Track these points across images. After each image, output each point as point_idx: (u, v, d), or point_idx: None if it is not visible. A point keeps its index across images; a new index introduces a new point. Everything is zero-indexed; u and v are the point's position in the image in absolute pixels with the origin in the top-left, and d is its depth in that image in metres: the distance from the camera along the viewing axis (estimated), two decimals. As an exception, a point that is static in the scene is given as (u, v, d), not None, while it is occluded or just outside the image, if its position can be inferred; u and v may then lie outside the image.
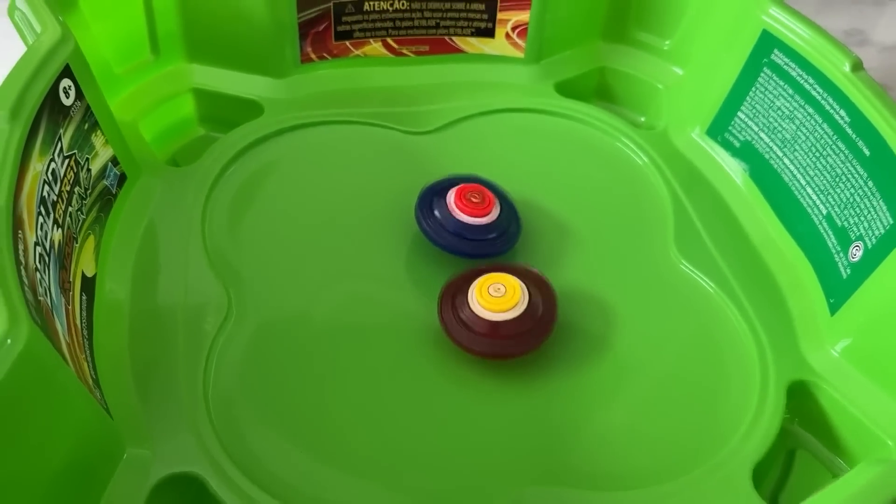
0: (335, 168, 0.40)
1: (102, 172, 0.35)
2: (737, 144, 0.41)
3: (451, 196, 0.36)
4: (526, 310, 0.32)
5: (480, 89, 0.45)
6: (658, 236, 0.38)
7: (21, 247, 0.26)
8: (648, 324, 0.35)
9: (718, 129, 0.42)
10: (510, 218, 0.37)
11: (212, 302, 0.33)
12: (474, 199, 0.36)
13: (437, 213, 0.36)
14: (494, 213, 0.36)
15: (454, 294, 0.33)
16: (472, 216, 0.36)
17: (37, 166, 0.29)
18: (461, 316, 0.32)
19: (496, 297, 0.32)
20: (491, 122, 0.43)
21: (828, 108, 0.36)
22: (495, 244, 0.36)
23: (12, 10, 0.35)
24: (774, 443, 0.31)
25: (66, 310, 0.29)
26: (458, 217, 0.36)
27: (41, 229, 0.29)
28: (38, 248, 0.28)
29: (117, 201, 0.36)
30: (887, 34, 0.59)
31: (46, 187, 0.30)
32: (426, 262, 0.36)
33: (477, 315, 0.32)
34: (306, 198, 0.39)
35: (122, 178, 0.36)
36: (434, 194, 0.37)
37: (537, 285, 0.34)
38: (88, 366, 0.29)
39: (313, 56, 0.44)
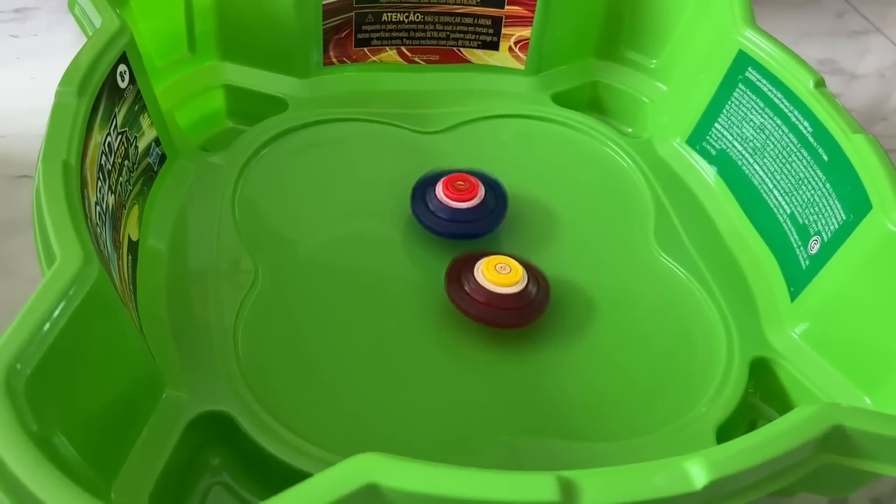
0: (351, 160, 0.44)
1: (147, 150, 0.39)
2: (713, 152, 0.45)
3: (440, 185, 0.40)
4: (525, 287, 0.36)
5: (484, 96, 0.49)
6: (640, 231, 0.42)
7: (86, 203, 0.30)
8: (630, 306, 0.39)
9: (697, 139, 0.46)
10: (494, 199, 0.41)
11: (240, 266, 0.37)
12: (460, 185, 0.40)
13: (427, 200, 0.40)
14: (479, 196, 0.40)
15: (461, 268, 0.37)
16: (458, 201, 0.40)
17: (97, 137, 0.33)
18: (466, 286, 0.36)
19: (502, 273, 0.36)
20: (493, 126, 0.48)
21: (794, 119, 0.40)
22: (481, 224, 0.40)
23: (72, 4, 0.39)
24: (737, 410, 0.35)
25: (118, 265, 0.33)
26: (445, 203, 0.40)
27: (99, 192, 0.33)
28: (98, 208, 0.32)
29: (158, 178, 0.40)
30: (857, 64, 0.64)
31: (104, 157, 0.34)
32: (429, 242, 0.40)
33: (481, 286, 0.36)
34: (324, 184, 0.43)
35: (162, 158, 0.40)
36: (426, 185, 0.41)
37: (535, 274, 0.38)
38: (133, 315, 0.33)
39: (335, 60, 0.48)
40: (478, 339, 0.36)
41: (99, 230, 0.31)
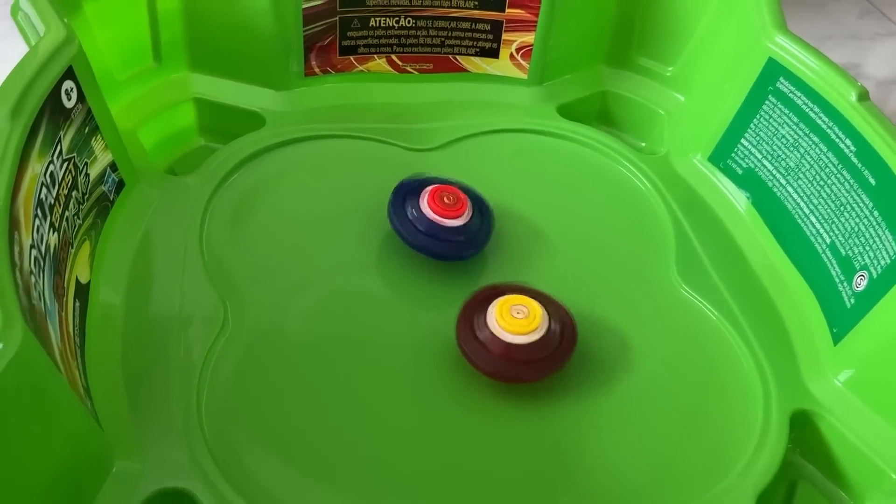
0: (335, 182, 0.40)
1: (101, 178, 0.34)
2: (739, 171, 0.41)
3: (426, 197, 0.36)
4: (545, 334, 0.32)
5: (483, 109, 0.45)
6: (659, 260, 0.38)
7: (17, 249, 0.26)
8: (652, 350, 0.35)
9: (721, 156, 0.42)
10: (480, 218, 0.37)
11: (207, 312, 0.33)
12: (447, 202, 0.36)
13: (408, 211, 0.36)
14: (466, 214, 0.36)
15: (474, 310, 0.33)
16: (445, 217, 0.36)
17: (35, 167, 0.28)
18: (479, 336, 0.32)
19: (518, 318, 0.32)
20: (492, 142, 0.43)
21: (833, 137, 0.36)
22: (465, 245, 0.36)
23: (15, 10, 0.34)
24: (777, 473, 0.31)
25: (59, 316, 0.28)
26: (432, 218, 0.36)
27: (37, 232, 0.28)
28: (34, 251, 0.27)
29: (114, 208, 0.35)
30: (882, 69, 0.60)
31: (44, 189, 0.29)
32: (428, 278, 0.36)
33: (495, 335, 0.31)
34: (305, 211, 0.38)
35: (119, 185, 0.36)
36: (408, 192, 0.37)
37: (559, 316, 0.33)
38: (80, 374, 0.28)
39: (317, 69, 0.44)
40: (486, 392, 0.32)
41: (34, 279, 0.27)
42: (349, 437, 0.30)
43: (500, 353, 0.31)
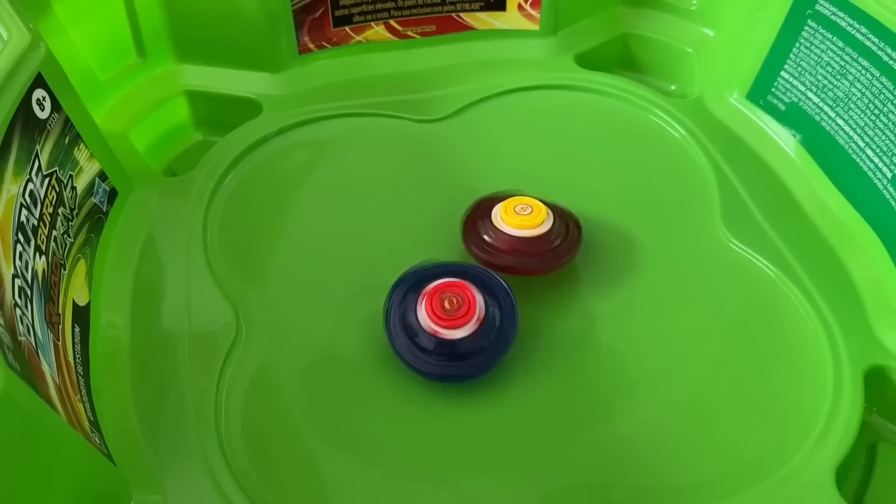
0: (343, 166, 0.37)
1: (90, 189, 0.32)
2: (782, 108, 0.37)
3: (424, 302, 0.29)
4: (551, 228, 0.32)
5: (494, 68, 0.42)
6: (704, 215, 0.35)
7: (-5, 283, 0.23)
8: (702, 313, 0.32)
9: (760, 93, 0.38)
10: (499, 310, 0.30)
11: (219, 324, 0.30)
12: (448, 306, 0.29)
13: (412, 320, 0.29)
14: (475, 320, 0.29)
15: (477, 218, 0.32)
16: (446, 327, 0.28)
17: (11, 189, 0.26)
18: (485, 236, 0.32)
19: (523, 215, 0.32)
20: (508, 104, 0.40)
21: (886, 59, 0.32)
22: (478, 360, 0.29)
23: (-23, 18, 0.32)
24: (856, 439, 0.28)
25: (56, 346, 0.26)
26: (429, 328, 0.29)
27: (20, 259, 0.26)
28: (18, 281, 0.25)
29: (109, 219, 0.33)
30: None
31: (25, 211, 0.27)
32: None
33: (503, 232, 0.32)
34: (314, 201, 0.35)
35: (112, 194, 0.33)
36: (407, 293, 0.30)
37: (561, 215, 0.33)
38: (85, 406, 0.26)
39: (311, 46, 0.41)
40: (516, 379, 0.29)
41: (19, 313, 0.24)
42: (375, 448, 0.28)
43: (509, 248, 0.31)
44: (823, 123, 0.35)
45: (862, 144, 0.33)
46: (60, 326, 0.27)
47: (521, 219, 0.32)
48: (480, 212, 0.33)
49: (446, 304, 0.28)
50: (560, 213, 0.33)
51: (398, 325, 0.29)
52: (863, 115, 0.33)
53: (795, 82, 0.36)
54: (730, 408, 0.29)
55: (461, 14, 0.42)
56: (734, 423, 0.28)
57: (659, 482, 0.27)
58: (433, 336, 0.28)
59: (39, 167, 0.28)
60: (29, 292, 0.26)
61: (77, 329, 0.28)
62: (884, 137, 0.32)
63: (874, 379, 0.30)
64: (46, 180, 0.29)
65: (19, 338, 0.23)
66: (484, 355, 0.28)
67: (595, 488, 0.27)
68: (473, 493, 0.27)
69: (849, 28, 0.34)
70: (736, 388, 0.29)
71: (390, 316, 0.29)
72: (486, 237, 0.32)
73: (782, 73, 0.37)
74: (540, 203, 0.32)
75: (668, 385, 0.29)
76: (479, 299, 0.29)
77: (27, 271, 0.26)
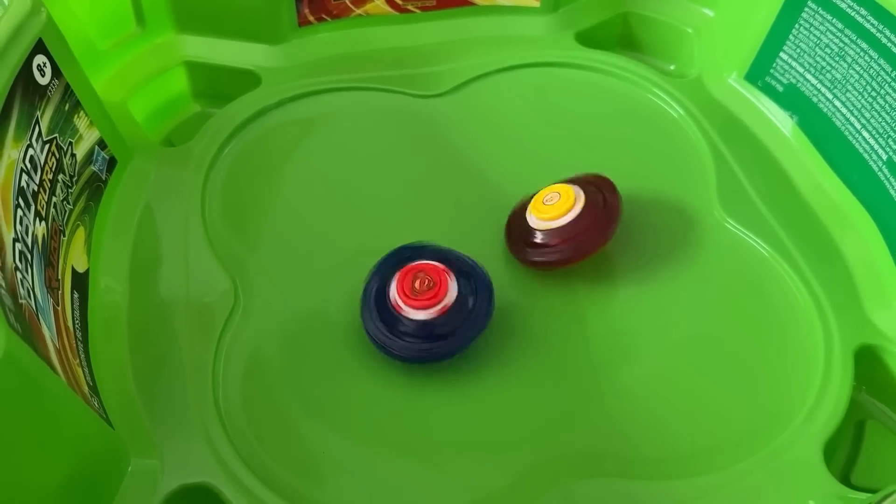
0: (342, 140, 0.37)
1: (89, 157, 0.32)
2: (780, 89, 0.37)
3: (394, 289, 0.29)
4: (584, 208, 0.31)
5: (495, 44, 0.41)
6: (700, 194, 0.35)
7: (-4, 245, 0.24)
8: (698, 291, 0.32)
9: (758, 73, 0.38)
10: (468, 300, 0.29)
11: (216, 292, 0.30)
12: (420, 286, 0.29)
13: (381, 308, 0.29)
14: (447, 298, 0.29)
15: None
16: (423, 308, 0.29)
17: (12, 154, 0.26)
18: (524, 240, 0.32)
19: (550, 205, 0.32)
20: (508, 80, 0.40)
21: (885, 41, 0.32)
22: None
23: (-23, -17, 0.32)
24: (844, 416, 0.28)
25: (55, 311, 0.26)
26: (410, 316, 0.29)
27: (21, 224, 0.26)
28: (19, 245, 0.25)
29: (108, 188, 0.33)
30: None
31: (25, 176, 0.27)
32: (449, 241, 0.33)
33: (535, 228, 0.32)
34: (312, 174, 0.36)
35: (111, 163, 0.33)
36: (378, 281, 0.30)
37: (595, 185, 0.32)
38: (84, 371, 0.26)
39: (311, 18, 0.40)
40: (515, 355, 0.30)
41: (20, 276, 0.24)
42: (370, 417, 0.28)
43: (561, 239, 0.31)
44: (821, 105, 0.35)
45: (858, 126, 0.34)
46: (60, 292, 0.27)
47: (554, 208, 0.31)
48: (518, 225, 0.32)
49: (417, 285, 0.28)
50: (584, 183, 0.32)
51: (371, 297, 0.29)
52: (860, 97, 0.33)
53: (794, 63, 0.36)
54: (720, 384, 0.29)
55: (462, -11, 0.42)
56: (724, 398, 0.29)
57: (647, 453, 0.27)
58: (396, 312, 0.28)
59: (40, 133, 0.28)
60: (29, 257, 0.26)
61: (76, 295, 0.29)
62: (880, 119, 0.33)
63: (864, 358, 0.30)
64: (46, 146, 0.29)
65: (20, 301, 0.24)
66: (448, 341, 0.28)
67: (587, 457, 0.27)
68: (466, 454, 0.27)
69: (848, 10, 0.34)
70: (727, 364, 0.30)
71: (367, 287, 0.30)
72: (535, 240, 0.31)
73: (781, 54, 0.37)
74: (562, 185, 0.32)
75: (658, 360, 0.30)
76: (453, 285, 0.29)
77: (27, 236, 0.26)
